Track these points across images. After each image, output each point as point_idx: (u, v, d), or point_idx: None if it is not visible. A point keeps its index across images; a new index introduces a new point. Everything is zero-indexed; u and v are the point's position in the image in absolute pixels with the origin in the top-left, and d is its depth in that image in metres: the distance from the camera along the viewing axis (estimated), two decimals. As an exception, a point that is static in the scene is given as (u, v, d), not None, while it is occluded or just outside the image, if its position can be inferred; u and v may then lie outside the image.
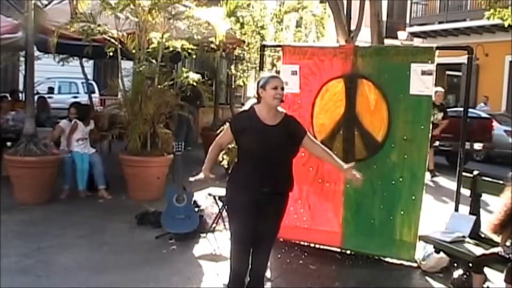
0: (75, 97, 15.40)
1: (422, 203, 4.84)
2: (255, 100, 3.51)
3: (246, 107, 3.65)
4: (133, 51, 7.16)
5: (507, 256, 3.84)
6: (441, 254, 4.72)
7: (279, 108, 3.46)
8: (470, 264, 4.26)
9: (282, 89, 3.38)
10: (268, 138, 3.32)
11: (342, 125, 5.12)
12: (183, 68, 8.65)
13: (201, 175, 3.56)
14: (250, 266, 3.45)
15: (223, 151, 8.46)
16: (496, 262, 3.94)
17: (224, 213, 5.64)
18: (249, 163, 3.37)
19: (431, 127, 4.90)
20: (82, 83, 17.47)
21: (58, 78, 16.84)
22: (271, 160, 3.32)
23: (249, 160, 3.37)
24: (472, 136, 10.03)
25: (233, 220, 3.46)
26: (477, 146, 11.43)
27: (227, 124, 3.57)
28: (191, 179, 3.73)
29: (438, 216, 5.72)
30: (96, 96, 15.64)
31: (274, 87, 3.34)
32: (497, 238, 4.13)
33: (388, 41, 14.95)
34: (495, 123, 12.81)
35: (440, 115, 9.36)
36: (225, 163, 8.61)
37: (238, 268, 3.41)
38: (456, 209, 5.03)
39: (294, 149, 3.48)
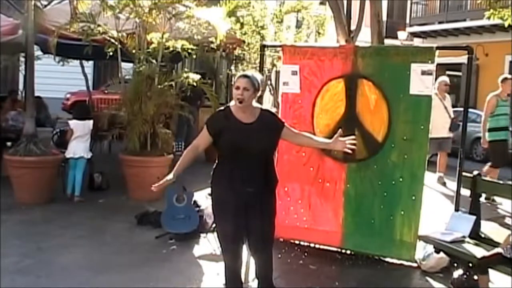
0: None
1: (422, 203, 4.84)
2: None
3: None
4: (133, 51, 7.17)
5: (509, 256, 3.84)
6: (441, 254, 4.72)
7: (255, 104, 3.38)
8: (470, 264, 4.25)
9: (246, 89, 3.25)
10: (247, 136, 3.26)
11: (342, 125, 5.09)
12: (184, 69, 8.66)
13: (167, 177, 3.36)
14: (255, 268, 3.44)
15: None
16: (499, 263, 3.94)
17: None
18: (230, 163, 3.29)
19: (429, 127, 4.90)
20: None
21: None
22: (252, 159, 3.27)
23: (230, 161, 3.30)
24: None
25: (221, 220, 3.37)
26: None
27: (204, 126, 3.40)
28: (153, 188, 3.34)
29: (438, 216, 5.72)
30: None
31: (236, 87, 3.29)
32: (497, 238, 4.12)
33: (388, 41, 14.92)
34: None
35: None
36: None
37: (233, 266, 3.39)
38: (456, 209, 5.03)
39: (274, 143, 3.46)
